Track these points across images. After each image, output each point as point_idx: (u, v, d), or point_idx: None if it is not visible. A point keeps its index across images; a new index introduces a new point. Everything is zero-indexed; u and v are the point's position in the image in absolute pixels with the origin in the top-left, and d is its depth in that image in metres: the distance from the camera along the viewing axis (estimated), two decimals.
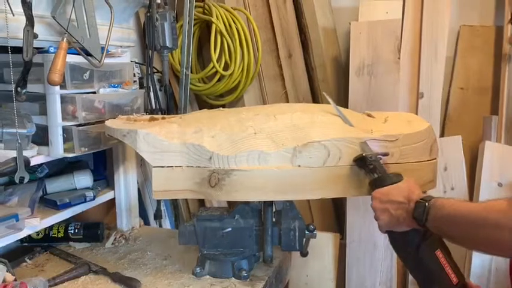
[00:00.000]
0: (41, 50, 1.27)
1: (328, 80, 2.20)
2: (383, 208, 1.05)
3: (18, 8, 1.12)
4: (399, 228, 1.04)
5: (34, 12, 1.15)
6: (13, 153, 1.19)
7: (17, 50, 1.15)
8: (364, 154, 1.15)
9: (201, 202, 2.26)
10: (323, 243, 2.01)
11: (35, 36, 1.15)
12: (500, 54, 2.06)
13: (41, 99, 1.35)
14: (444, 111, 2.15)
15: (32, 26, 1.14)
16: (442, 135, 2.11)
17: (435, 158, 1.28)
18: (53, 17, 1.22)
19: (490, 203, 0.88)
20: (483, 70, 2.12)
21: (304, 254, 1.37)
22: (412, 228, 1.01)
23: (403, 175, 1.11)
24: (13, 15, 1.11)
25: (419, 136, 1.24)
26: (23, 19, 1.13)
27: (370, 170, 1.13)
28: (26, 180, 1.19)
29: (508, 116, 2.00)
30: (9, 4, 1.10)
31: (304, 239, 1.35)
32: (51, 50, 1.28)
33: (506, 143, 1.98)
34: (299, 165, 1.20)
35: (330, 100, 1.35)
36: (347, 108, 1.80)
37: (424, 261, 1.01)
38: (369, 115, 1.38)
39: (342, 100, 2.08)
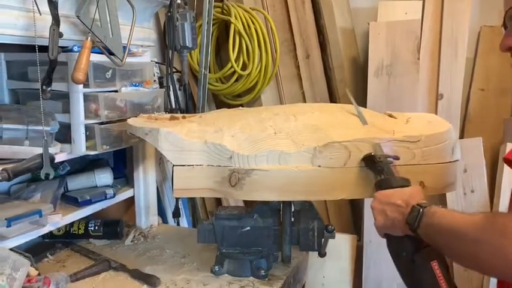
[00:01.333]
0: (65, 49, 1.29)
1: (346, 81, 2.20)
2: (380, 209, 1.03)
3: (45, 8, 1.15)
4: (394, 231, 1.02)
5: (59, 12, 1.17)
6: (38, 150, 1.21)
7: (42, 49, 1.17)
8: (372, 153, 1.14)
9: (218, 201, 2.27)
10: (340, 244, 2.00)
11: (61, 35, 1.17)
12: None
13: (64, 97, 1.37)
14: (464, 112, 2.13)
15: (58, 25, 1.16)
16: (461, 136, 2.09)
17: (457, 160, 1.27)
18: (77, 17, 1.24)
19: (474, 218, 0.84)
20: (504, 71, 2.10)
21: (322, 254, 1.37)
22: (407, 234, 0.98)
23: (424, 177, 1.10)
24: (40, 14, 1.14)
25: (441, 137, 1.23)
26: (49, 18, 1.15)
27: (377, 170, 1.12)
28: (51, 176, 1.21)
29: None
30: (36, 4, 1.12)
31: (323, 240, 1.34)
32: (75, 49, 1.30)
33: None
34: (319, 166, 1.20)
35: (351, 97, 1.35)
36: (365, 108, 1.79)
37: (417, 270, 0.98)
38: (391, 115, 1.37)
39: (361, 100, 2.07)
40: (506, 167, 1.90)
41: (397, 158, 1.16)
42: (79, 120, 1.35)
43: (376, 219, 1.05)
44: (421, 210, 0.93)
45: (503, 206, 1.89)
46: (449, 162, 1.25)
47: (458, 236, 0.85)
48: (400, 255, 1.01)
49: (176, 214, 1.94)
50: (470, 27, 2.06)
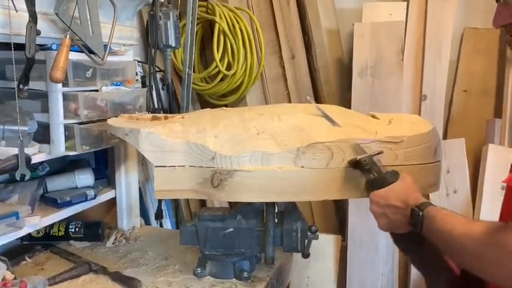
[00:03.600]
0: (43, 47, 1.27)
1: (331, 81, 2.20)
2: (381, 212, 1.04)
3: (22, 5, 1.12)
4: (399, 231, 1.05)
5: (37, 9, 1.14)
6: (14, 151, 1.18)
7: (20, 47, 1.14)
8: (358, 158, 1.14)
9: (202, 202, 2.25)
10: (324, 244, 2.00)
11: (38, 33, 1.15)
12: (504, 57, 2.06)
13: (42, 96, 1.34)
14: (447, 113, 2.14)
15: (35, 23, 1.14)
16: (444, 137, 2.10)
17: (439, 161, 1.27)
18: (56, 14, 1.21)
19: (473, 230, 0.84)
20: (487, 73, 2.11)
21: (305, 255, 1.36)
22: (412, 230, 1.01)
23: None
24: (16, 11, 1.11)
25: (424, 138, 1.23)
26: (26, 16, 1.13)
27: (365, 171, 1.13)
28: (27, 177, 1.18)
29: None
30: (12, 0, 1.09)
31: (306, 241, 1.34)
32: (54, 47, 1.27)
33: (510, 146, 1.97)
34: (302, 166, 1.19)
35: (313, 102, 1.34)
36: (350, 109, 1.79)
37: (427, 257, 1.02)
38: (374, 116, 1.37)
39: (345, 101, 2.08)
40: (487, 167, 1.92)
41: (380, 153, 1.16)
42: (58, 120, 1.33)
43: (379, 223, 1.06)
44: (420, 213, 0.95)
45: (485, 206, 1.90)
46: (432, 163, 1.25)
47: (458, 248, 0.86)
48: (409, 248, 1.07)
49: (159, 215, 1.92)
50: (454, 29, 2.07)
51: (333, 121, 1.27)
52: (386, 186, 1.05)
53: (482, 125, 2.07)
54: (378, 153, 1.15)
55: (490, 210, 1.89)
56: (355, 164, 1.15)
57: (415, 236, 1.00)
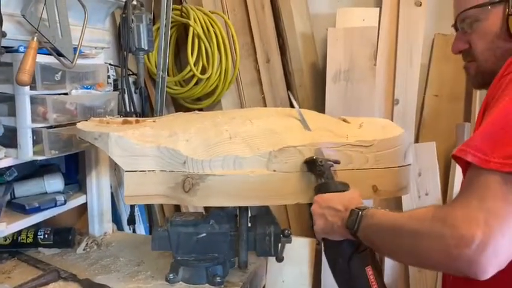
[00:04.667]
0: (10, 49, 1.23)
1: (306, 85, 2.21)
2: (320, 213, 1.03)
3: None
4: (333, 236, 1.02)
5: (3, 10, 1.12)
6: None
7: None
8: (314, 157, 1.15)
9: (177, 207, 2.23)
10: (299, 248, 2.01)
11: (3, 34, 1.12)
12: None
13: (9, 100, 1.31)
14: (419, 117, 2.19)
15: (1, 25, 1.11)
16: (416, 141, 2.14)
17: (409, 164, 1.29)
18: (23, 16, 1.19)
19: (415, 212, 0.85)
20: (456, 78, 2.17)
21: (279, 259, 1.36)
22: (346, 238, 0.99)
23: (377, 181, 1.12)
24: None
25: (394, 142, 1.25)
26: None
27: (317, 174, 1.13)
28: None
29: None
30: None
31: (280, 244, 1.33)
32: (21, 49, 1.24)
33: None
34: (274, 170, 1.19)
35: (294, 102, 1.35)
36: (324, 113, 1.81)
37: (352, 275, 0.99)
38: (344, 120, 1.39)
39: (319, 105, 2.10)
40: (458, 170, 1.97)
41: (337, 162, 1.17)
42: (25, 123, 1.29)
43: (316, 223, 1.05)
44: (360, 213, 0.94)
45: None
46: (402, 166, 1.27)
47: (398, 230, 0.85)
48: (337, 262, 1.02)
49: (131, 221, 1.89)
50: (425, 35, 2.12)
51: (307, 126, 1.27)
52: (334, 193, 1.05)
53: (452, 129, 2.12)
54: (335, 162, 1.16)
55: None
56: (309, 164, 1.15)
57: (348, 246, 0.99)
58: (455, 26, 1.07)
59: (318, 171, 1.13)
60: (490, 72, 0.96)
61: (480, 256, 0.72)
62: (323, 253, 1.99)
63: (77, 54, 1.32)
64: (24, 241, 1.54)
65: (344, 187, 1.07)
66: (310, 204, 1.09)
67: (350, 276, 0.99)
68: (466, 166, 0.81)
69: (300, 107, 1.37)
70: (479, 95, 2.06)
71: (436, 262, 0.80)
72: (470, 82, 1.06)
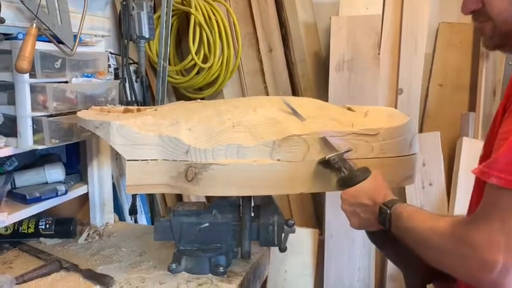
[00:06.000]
0: (9, 37, 1.22)
1: (309, 75, 2.19)
2: (352, 211, 1.05)
3: None
4: (371, 228, 1.06)
5: None
6: None
7: None
8: (327, 158, 1.13)
9: (179, 197, 2.22)
10: (302, 238, 2.00)
11: (2, 21, 1.10)
12: (478, 52, 2.08)
13: (9, 88, 1.29)
14: (423, 107, 2.16)
15: None
16: (420, 131, 2.12)
17: (415, 153, 1.27)
18: (22, 2, 1.16)
19: (437, 224, 0.85)
20: (461, 67, 2.14)
21: (282, 249, 1.35)
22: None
23: (382, 170, 1.11)
24: None
25: (400, 131, 1.23)
26: None
27: (335, 170, 1.13)
28: None
29: (485, 112, 2.02)
30: None
31: (283, 234, 1.32)
32: (20, 36, 1.22)
33: (483, 139, 2.00)
34: (278, 159, 1.18)
35: (284, 99, 1.32)
36: (327, 102, 1.79)
37: (401, 252, 1.02)
38: (349, 109, 1.36)
39: (322, 95, 2.07)
40: (462, 160, 1.95)
41: (349, 150, 1.16)
42: (25, 112, 1.28)
43: (351, 221, 1.07)
44: (388, 211, 0.96)
45: (460, 198, 1.93)
46: (408, 155, 1.25)
47: (424, 243, 0.87)
48: (384, 244, 1.09)
49: (133, 211, 1.88)
50: (429, 24, 2.09)
51: (301, 116, 1.25)
52: (357, 184, 1.06)
53: (457, 119, 2.09)
54: (347, 151, 1.15)
55: (465, 202, 1.88)
56: (325, 163, 1.15)
57: (387, 233, 1.00)
58: None
59: (335, 167, 1.12)
60: (510, 32, 0.89)
61: (504, 280, 0.74)
62: (326, 244, 2.00)
63: (77, 41, 1.30)
64: (26, 231, 1.54)
65: (365, 174, 1.07)
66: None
67: (401, 252, 1.02)
68: (484, 182, 0.80)
69: (302, 97, 1.35)
70: (484, 85, 2.03)
71: (461, 277, 0.84)
72: (483, 43, 0.98)
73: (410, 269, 1.08)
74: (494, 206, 0.77)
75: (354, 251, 2.00)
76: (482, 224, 0.76)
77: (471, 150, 1.95)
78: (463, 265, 0.78)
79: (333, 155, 1.13)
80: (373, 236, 1.10)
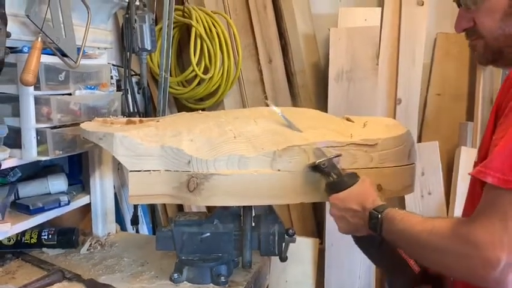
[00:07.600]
0: (14, 50, 1.24)
1: (308, 86, 2.21)
2: (340, 216, 1.06)
3: None
4: (359, 233, 1.06)
5: (7, 10, 1.12)
6: None
7: None
8: (317, 162, 1.14)
9: (180, 207, 2.23)
10: (302, 248, 2.01)
11: (8, 35, 1.12)
12: (475, 62, 2.11)
13: (13, 100, 1.31)
14: (421, 116, 2.19)
15: (5, 25, 1.11)
16: (419, 140, 2.14)
17: (413, 163, 1.29)
18: (27, 16, 1.19)
19: (435, 225, 0.86)
20: (459, 77, 2.17)
21: (283, 258, 1.36)
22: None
23: (381, 180, 1.13)
24: None
25: (398, 141, 1.25)
26: None
27: (325, 174, 1.14)
28: None
29: (483, 122, 2.04)
30: None
31: (284, 244, 1.33)
32: (25, 49, 1.24)
33: None
34: (279, 170, 1.19)
35: (276, 108, 1.32)
36: (326, 112, 1.81)
37: (386, 256, 1.04)
38: (348, 119, 1.39)
39: (322, 105, 2.10)
40: (460, 169, 1.97)
41: (339, 155, 1.17)
42: (30, 124, 1.29)
43: (339, 226, 1.08)
44: (379, 216, 0.96)
45: (458, 207, 1.94)
46: (406, 165, 1.27)
47: (421, 245, 0.87)
48: (369, 249, 1.09)
49: (135, 221, 1.89)
50: (427, 34, 2.12)
51: (296, 128, 1.27)
52: (345, 189, 1.06)
53: (455, 128, 2.12)
54: (337, 156, 1.16)
55: None
56: (314, 168, 1.16)
57: (374, 237, 1.02)
58: (457, 1, 0.98)
59: (325, 172, 1.13)
60: (501, 49, 0.92)
61: (507, 277, 0.75)
62: (326, 253, 2.01)
63: (81, 54, 1.32)
64: (28, 241, 1.54)
65: (354, 179, 1.08)
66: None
67: (384, 257, 1.05)
68: (484, 183, 0.81)
69: (301, 107, 1.37)
70: (481, 94, 2.06)
71: (461, 277, 0.85)
72: (476, 59, 1.00)
73: (394, 273, 1.10)
74: (493, 205, 0.78)
75: (354, 260, 2.01)
76: (484, 223, 0.78)
77: (469, 159, 1.97)
78: (465, 264, 0.79)
79: (322, 159, 1.14)
80: (359, 240, 1.11)
